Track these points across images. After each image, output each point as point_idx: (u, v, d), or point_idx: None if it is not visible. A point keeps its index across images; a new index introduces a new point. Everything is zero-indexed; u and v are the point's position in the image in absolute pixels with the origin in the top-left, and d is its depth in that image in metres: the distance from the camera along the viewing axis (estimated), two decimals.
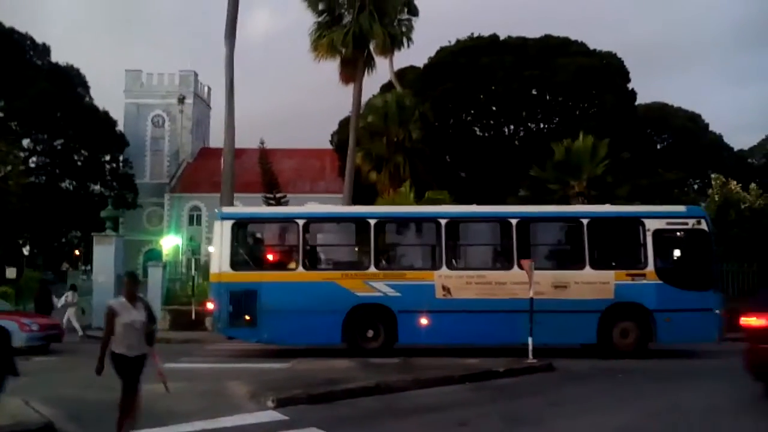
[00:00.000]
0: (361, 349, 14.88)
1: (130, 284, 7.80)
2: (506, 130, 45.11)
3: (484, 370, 12.37)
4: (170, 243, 44.72)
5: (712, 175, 40.80)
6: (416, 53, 64.17)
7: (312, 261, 15.71)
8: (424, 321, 14.97)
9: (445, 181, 36.49)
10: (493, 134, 44.57)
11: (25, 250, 48.55)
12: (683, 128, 53.26)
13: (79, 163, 53.93)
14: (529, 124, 44.82)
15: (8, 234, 39.87)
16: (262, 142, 55.21)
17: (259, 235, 16.84)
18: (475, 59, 41.68)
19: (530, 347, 13.54)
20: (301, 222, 15.58)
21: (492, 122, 44.91)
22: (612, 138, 29.19)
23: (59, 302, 21.43)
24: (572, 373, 12.96)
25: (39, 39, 52.95)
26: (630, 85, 44.18)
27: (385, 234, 16.09)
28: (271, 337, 15.17)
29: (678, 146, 51.46)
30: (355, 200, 32.06)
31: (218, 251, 15.51)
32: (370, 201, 32.05)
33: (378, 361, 13.81)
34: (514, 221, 15.39)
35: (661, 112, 53.50)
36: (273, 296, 14.91)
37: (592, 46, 44.18)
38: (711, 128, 56.93)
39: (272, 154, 55.93)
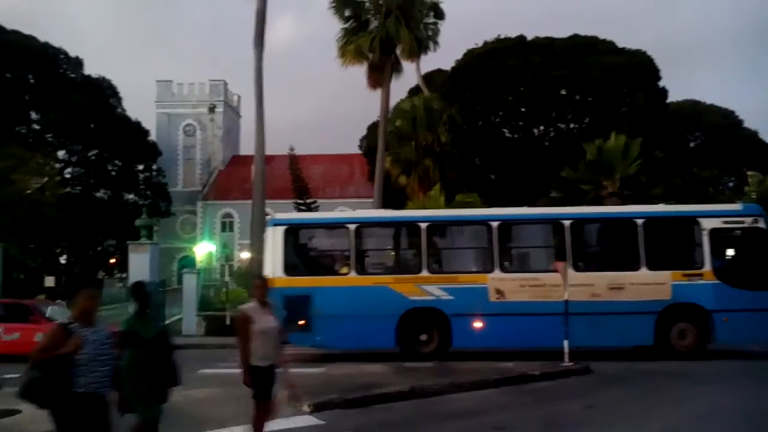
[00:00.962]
0: (416, 354, 14.82)
1: (263, 287, 7.23)
2: (536, 131, 44.76)
3: (520, 373, 12.28)
4: (204, 250, 45.21)
5: (749, 173, 40.04)
6: (443, 56, 64.11)
7: (364, 265, 15.69)
8: (478, 324, 14.88)
9: (474, 183, 36.35)
10: (522, 135, 44.27)
11: (62, 259, 49.61)
12: (717, 125, 52.37)
13: (113, 173, 54.78)
14: (559, 124, 44.41)
15: (46, 244, 40.67)
16: (291, 149, 55.61)
17: (311, 241, 16.94)
18: (503, 61, 41.49)
19: (566, 350, 13.40)
20: (352, 227, 15.61)
21: (521, 123, 44.60)
22: (644, 137, 28.81)
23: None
24: (610, 376, 12.80)
25: (72, 52, 53.99)
26: (661, 83, 43.56)
27: (437, 237, 15.98)
28: (326, 341, 15.21)
29: (712, 144, 50.59)
30: (384, 204, 32.08)
31: (271, 257, 15.61)
32: (400, 205, 32.04)
33: (412, 365, 13.80)
34: (567, 222, 15.27)
35: (694, 109, 52.69)
36: (326, 301, 14.96)
37: (620, 45, 43.71)
38: (746, 124, 55.82)
39: (301, 160, 56.32)
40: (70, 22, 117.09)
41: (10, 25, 49.93)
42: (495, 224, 15.36)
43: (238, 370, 10.83)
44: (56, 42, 53.26)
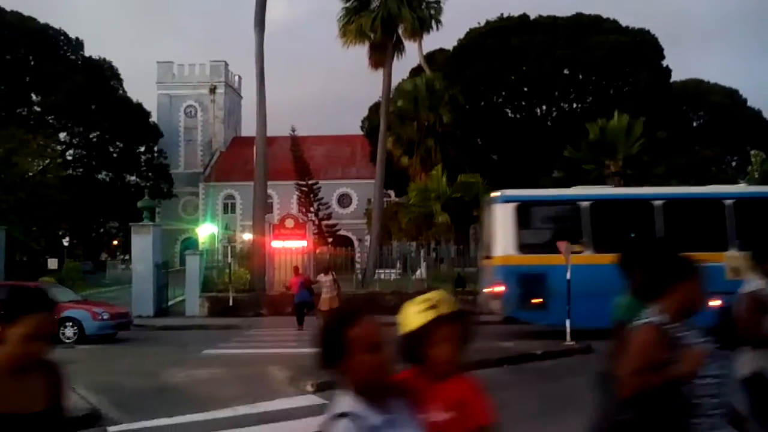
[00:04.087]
0: None
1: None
2: (538, 110, 44.66)
3: (521, 352, 12.32)
4: (206, 231, 45.25)
5: (752, 152, 39.92)
6: (445, 36, 63.89)
7: (599, 243, 15.20)
8: (713, 304, 14.45)
9: (477, 164, 36.32)
10: (525, 115, 44.17)
11: (65, 241, 49.69)
12: (720, 104, 52.14)
13: (114, 155, 54.81)
14: (562, 104, 44.30)
15: (48, 226, 40.74)
16: (293, 130, 55.64)
17: (543, 218, 16.46)
18: (505, 40, 41.26)
19: (568, 329, 13.44)
20: (586, 204, 15.41)
21: (524, 103, 44.49)
22: (647, 116, 28.75)
23: None
24: None
25: (72, 34, 53.76)
26: (664, 62, 43.42)
27: (673, 215, 15.50)
28: (561, 319, 14.36)
29: (715, 123, 50.41)
30: (387, 185, 32.09)
31: (502, 234, 15.32)
32: (402, 186, 32.02)
33: None
34: None
35: (697, 88, 52.44)
36: (562, 279, 14.31)
37: (624, 23, 43.50)
38: (750, 104, 55.66)
39: (303, 141, 56.29)
40: (69, 2, 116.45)
41: (9, 6, 49.72)
42: (729, 202, 15.15)
43: (241, 351, 10.46)
44: (56, 23, 53.09)
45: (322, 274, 18.84)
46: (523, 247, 15.21)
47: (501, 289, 15.17)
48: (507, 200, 15.75)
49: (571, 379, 10.60)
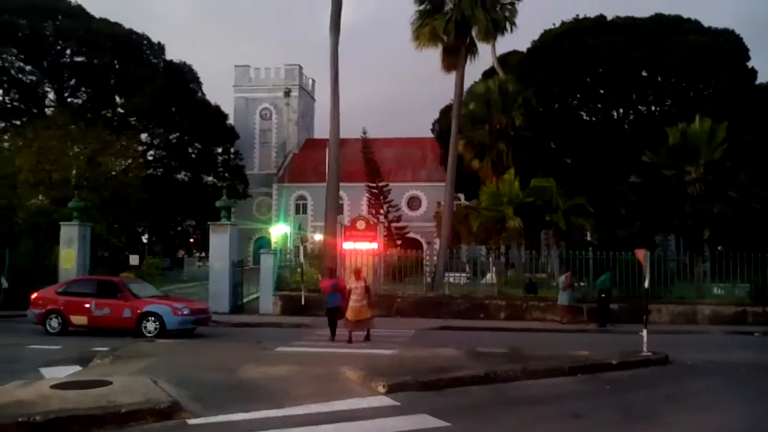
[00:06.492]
0: None
1: None
2: (615, 113, 43.56)
3: (596, 361, 12.05)
4: (279, 231, 46.16)
5: None
6: (519, 37, 62.74)
7: None
8: None
9: (549, 168, 35.75)
10: (600, 118, 43.16)
11: (144, 238, 51.65)
12: None
13: (193, 156, 56.50)
14: (640, 107, 43.08)
15: (129, 223, 42.35)
16: (364, 132, 56.11)
17: None
18: (581, 41, 40.39)
19: (644, 339, 13.08)
20: None
21: (599, 106, 43.47)
22: (730, 120, 27.59)
23: None
24: (689, 367, 12.45)
25: (154, 38, 55.77)
26: (749, 64, 41.59)
27: None
28: None
29: None
30: (457, 188, 31.93)
31: None
32: (472, 189, 31.73)
33: (485, 350, 13.73)
34: None
35: None
36: None
37: (707, 24, 41.92)
38: None
39: (373, 143, 56.65)
40: (150, 8, 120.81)
41: (98, 13, 52.05)
42: None
43: (313, 350, 10.67)
44: (139, 28, 55.22)
45: (353, 278, 16.45)
46: None
47: None
48: None
49: (647, 390, 10.34)
